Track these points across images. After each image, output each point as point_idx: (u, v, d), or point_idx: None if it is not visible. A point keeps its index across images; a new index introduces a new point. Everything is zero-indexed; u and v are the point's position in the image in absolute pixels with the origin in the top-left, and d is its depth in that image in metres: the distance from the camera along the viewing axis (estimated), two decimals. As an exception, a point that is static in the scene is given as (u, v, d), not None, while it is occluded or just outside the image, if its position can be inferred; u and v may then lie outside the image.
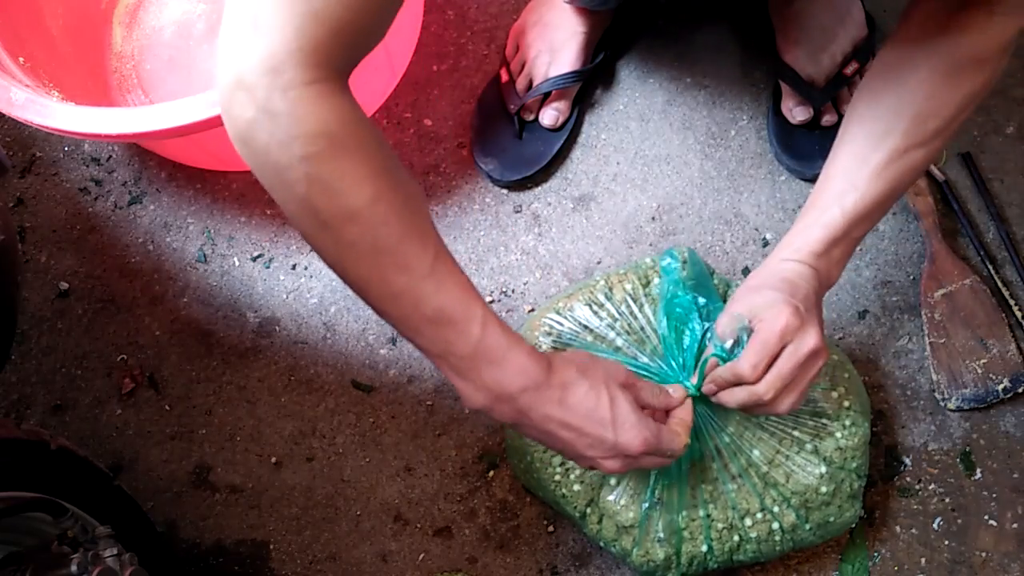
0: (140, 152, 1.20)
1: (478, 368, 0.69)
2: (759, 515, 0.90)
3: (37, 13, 1.14)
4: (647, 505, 0.89)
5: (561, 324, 0.95)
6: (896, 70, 0.77)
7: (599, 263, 1.11)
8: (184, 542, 1.05)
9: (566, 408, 0.71)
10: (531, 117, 1.14)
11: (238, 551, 1.04)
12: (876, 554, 0.99)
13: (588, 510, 0.92)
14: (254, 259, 1.15)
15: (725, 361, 0.80)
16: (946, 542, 0.99)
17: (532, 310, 1.09)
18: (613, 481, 0.91)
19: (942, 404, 1.03)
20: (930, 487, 1.01)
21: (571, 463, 0.92)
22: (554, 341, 0.94)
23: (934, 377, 1.03)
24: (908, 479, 1.01)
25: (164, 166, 1.19)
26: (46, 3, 1.15)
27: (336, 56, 0.61)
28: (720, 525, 0.90)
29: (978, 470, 1.01)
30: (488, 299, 1.10)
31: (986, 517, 1.00)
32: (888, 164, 0.77)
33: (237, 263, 1.15)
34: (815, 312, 0.78)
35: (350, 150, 0.62)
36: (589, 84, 1.16)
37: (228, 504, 1.06)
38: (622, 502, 0.91)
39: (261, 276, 1.14)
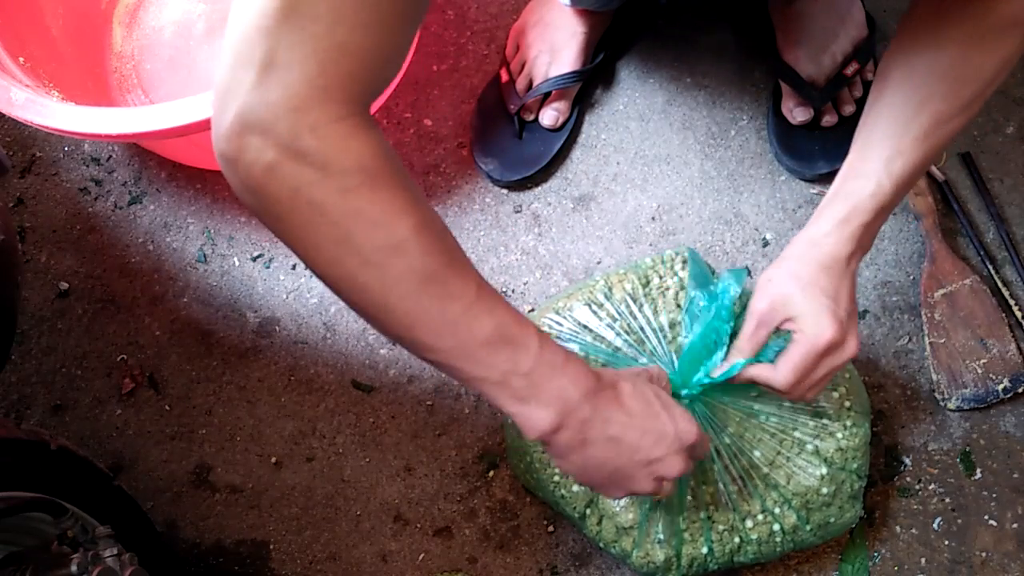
0: (140, 152, 1.20)
1: (542, 381, 0.66)
2: (760, 517, 0.90)
3: (37, 13, 1.14)
4: (647, 506, 0.89)
5: (560, 324, 0.95)
6: (928, 36, 0.76)
7: (599, 263, 1.11)
8: (184, 542, 1.05)
9: (624, 408, 0.70)
10: (531, 117, 1.14)
11: (238, 551, 1.04)
12: (876, 554, 0.99)
13: (587, 511, 0.92)
14: (254, 259, 1.15)
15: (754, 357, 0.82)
16: (946, 542, 0.99)
17: (532, 310, 1.09)
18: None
19: (942, 404, 1.03)
20: (930, 487, 1.01)
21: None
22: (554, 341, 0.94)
23: (934, 377, 1.03)
24: (908, 479, 1.01)
25: (164, 166, 1.19)
26: (46, 3, 1.15)
27: (361, 89, 0.58)
28: (721, 527, 0.90)
29: (978, 470, 1.01)
30: (488, 299, 1.10)
31: (986, 517, 1.00)
32: (932, 130, 0.76)
33: (237, 263, 1.15)
34: (854, 311, 0.79)
35: (387, 182, 0.59)
36: (589, 84, 1.16)
37: (228, 504, 1.06)
38: (622, 503, 0.90)
39: (261, 276, 1.14)
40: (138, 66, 1.23)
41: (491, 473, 1.04)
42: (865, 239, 0.79)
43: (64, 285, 1.15)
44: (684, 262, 0.96)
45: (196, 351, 1.11)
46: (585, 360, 0.92)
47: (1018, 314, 1.05)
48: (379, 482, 1.05)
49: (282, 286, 1.13)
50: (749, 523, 0.90)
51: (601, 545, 0.94)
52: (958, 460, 1.02)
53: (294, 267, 1.14)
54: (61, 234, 1.17)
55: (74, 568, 0.74)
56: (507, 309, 0.66)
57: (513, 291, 1.10)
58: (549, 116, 1.12)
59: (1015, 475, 1.01)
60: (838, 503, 0.91)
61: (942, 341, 1.04)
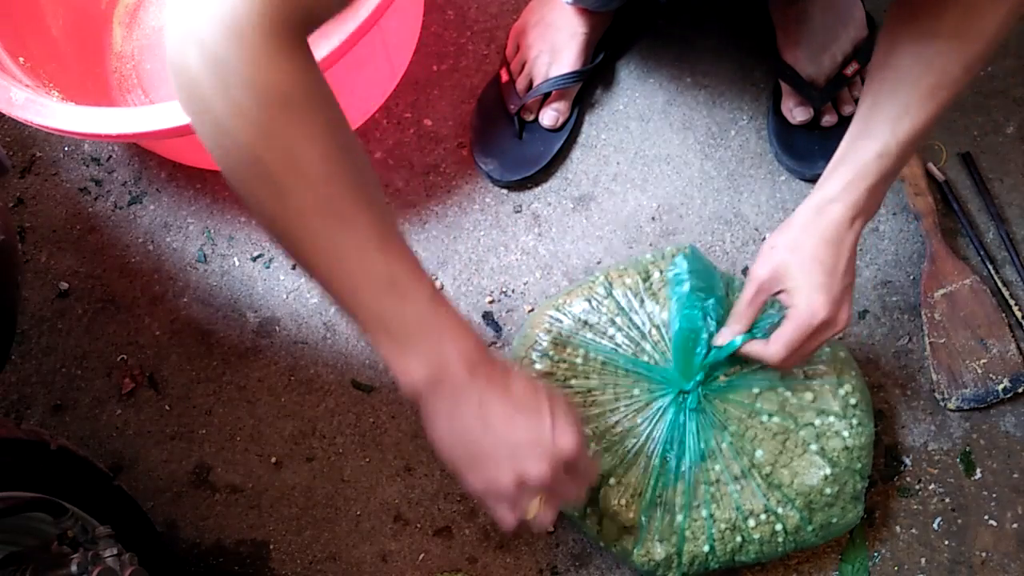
0: (140, 152, 1.20)
1: (423, 336, 0.65)
2: (763, 516, 0.90)
3: (37, 13, 1.14)
4: (647, 504, 0.89)
5: (561, 321, 0.96)
6: None
7: (599, 263, 1.11)
8: (184, 542, 1.05)
9: (508, 395, 0.68)
10: (531, 117, 1.14)
11: (238, 551, 1.04)
12: (876, 554, 0.99)
13: (588, 511, 0.92)
14: (254, 259, 1.15)
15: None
16: (946, 542, 0.99)
17: (532, 310, 1.09)
18: (613, 481, 0.91)
19: (942, 404, 1.03)
20: (930, 487, 1.01)
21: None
22: (554, 338, 0.94)
23: (934, 377, 1.03)
24: (908, 479, 1.01)
25: (164, 166, 1.19)
26: (46, 3, 1.15)
27: (299, 12, 0.59)
28: (723, 525, 0.89)
29: (978, 470, 1.01)
30: (488, 299, 1.10)
31: (986, 517, 1.00)
32: (937, 89, 0.75)
33: (237, 263, 1.15)
34: (851, 281, 0.80)
35: (303, 106, 0.60)
36: (589, 84, 1.16)
37: (228, 504, 1.06)
38: (622, 502, 0.90)
39: (261, 276, 1.14)
40: (138, 66, 1.23)
41: (491, 473, 1.04)
42: (870, 203, 0.79)
43: (64, 285, 1.15)
44: (685, 258, 0.96)
45: (196, 351, 1.11)
46: (585, 355, 0.93)
47: (1018, 314, 1.05)
48: (379, 482, 1.05)
49: (282, 286, 1.13)
50: (751, 522, 0.90)
51: (602, 544, 0.94)
52: (958, 460, 1.02)
53: (294, 267, 1.14)
54: (61, 234, 1.17)
55: (74, 568, 0.74)
56: (405, 260, 0.65)
57: (513, 291, 1.11)
58: (549, 116, 1.12)
59: (1015, 475, 1.01)
60: (840, 503, 0.91)
61: (942, 341, 1.04)
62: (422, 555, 1.02)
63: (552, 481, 0.68)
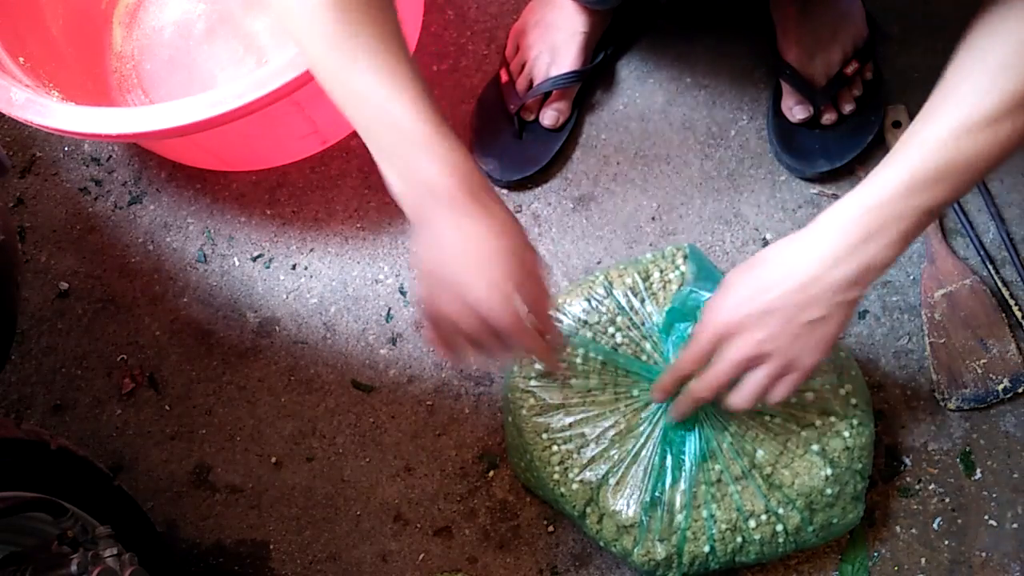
0: (140, 152, 1.20)
1: (443, 140, 0.69)
2: (763, 516, 0.90)
3: (37, 13, 1.14)
4: (647, 504, 0.89)
5: (560, 321, 0.96)
6: (988, 26, 0.67)
7: (599, 263, 1.11)
8: (184, 542, 1.05)
9: (464, 232, 0.71)
10: (531, 117, 1.14)
11: (238, 551, 1.04)
12: (876, 554, 0.99)
13: (587, 509, 0.92)
14: (254, 259, 1.15)
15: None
16: (946, 542, 0.99)
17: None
18: (613, 480, 0.91)
19: (942, 404, 1.03)
20: (930, 487, 1.01)
21: (570, 462, 0.92)
22: None
23: (934, 377, 1.03)
24: (908, 479, 1.01)
25: (164, 166, 1.19)
26: (46, 3, 1.15)
27: None
28: (724, 526, 0.89)
29: (978, 470, 1.01)
30: (488, 299, 1.10)
31: (986, 517, 1.00)
32: (963, 129, 0.66)
33: (237, 263, 1.15)
34: (785, 311, 0.73)
35: None
36: (589, 84, 1.16)
37: (228, 504, 1.06)
38: (622, 501, 0.90)
39: (261, 276, 1.14)
40: (138, 66, 1.23)
41: (491, 473, 1.04)
42: (846, 240, 0.71)
43: (64, 285, 1.15)
44: (685, 257, 0.96)
45: (196, 351, 1.11)
46: (585, 355, 0.93)
47: (1018, 314, 1.05)
48: (379, 482, 1.05)
49: (282, 286, 1.13)
50: (752, 523, 0.90)
51: (602, 544, 0.94)
52: (958, 460, 1.02)
53: (294, 267, 1.14)
54: (61, 234, 1.17)
55: (74, 568, 0.74)
56: (409, 96, 0.69)
57: (513, 291, 1.10)
58: (549, 116, 1.12)
59: (1015, 475, 1.01)
60: (841, 504, 0.91)
61: (942, 341, 1.04)
62: (422, 555, 1.02)
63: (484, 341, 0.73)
